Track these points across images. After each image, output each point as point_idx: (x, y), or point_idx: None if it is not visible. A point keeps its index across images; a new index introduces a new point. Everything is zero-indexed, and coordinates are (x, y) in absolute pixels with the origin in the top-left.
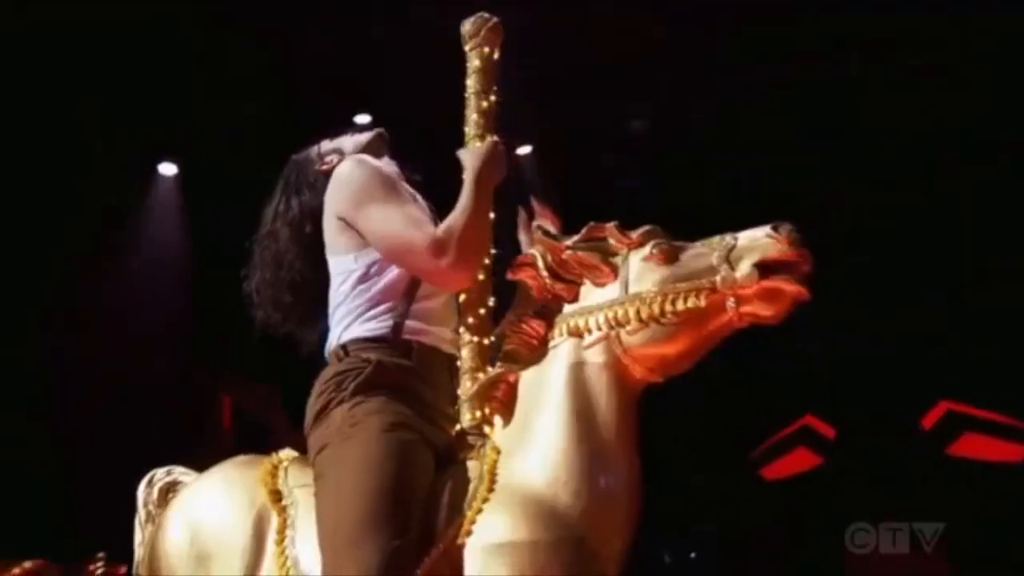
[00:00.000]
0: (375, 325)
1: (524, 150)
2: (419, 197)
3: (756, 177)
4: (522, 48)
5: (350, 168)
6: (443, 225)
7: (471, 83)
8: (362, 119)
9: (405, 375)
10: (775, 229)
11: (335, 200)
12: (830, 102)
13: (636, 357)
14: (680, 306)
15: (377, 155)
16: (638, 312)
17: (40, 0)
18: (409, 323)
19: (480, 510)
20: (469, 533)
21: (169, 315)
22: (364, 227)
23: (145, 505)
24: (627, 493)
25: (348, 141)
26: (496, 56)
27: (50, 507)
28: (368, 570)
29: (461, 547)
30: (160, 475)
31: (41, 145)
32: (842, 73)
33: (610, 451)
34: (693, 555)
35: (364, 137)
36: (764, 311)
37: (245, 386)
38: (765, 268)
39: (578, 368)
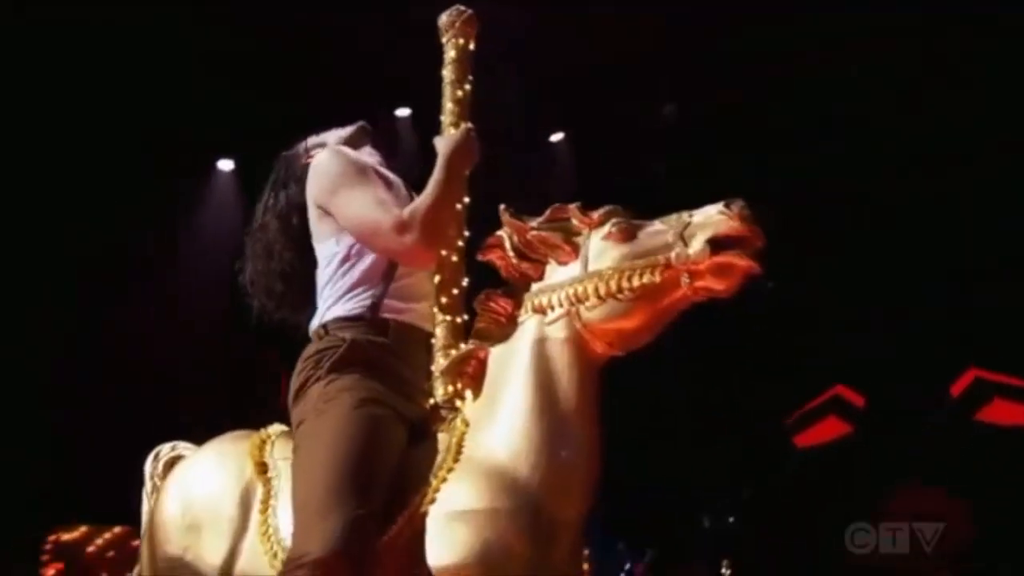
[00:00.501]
0: (353, 305)
1: (556, 136)
2: (397, 183)
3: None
4: (558, 38)
5: (324, 158)
6: (410, 206)
7: (447, 73)
8: (402, 112)
9: (381, 352)
10: (727, 206)
11: (313, 189)
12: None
13: (596, 332)
14: (636, 282)
15: (358, 146)
16: (596, 289)
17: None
18: (387, 302)
19: (445, 479)
20: (433, 501)
21: (233, 298)
22: (337, 212)
23: (151, 478)
24: (586, 463)
25: (332, 135)
26: (471, 47)
27: (126, 477)
28: (332, 537)
29: (425, 514)
30: (165, 450)
31: (108, 142)
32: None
33: (570, 423)
34: (731, 519)
35: (347, 131)
36: (717, 285)
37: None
38: (717, 244)
39: (541, 343)
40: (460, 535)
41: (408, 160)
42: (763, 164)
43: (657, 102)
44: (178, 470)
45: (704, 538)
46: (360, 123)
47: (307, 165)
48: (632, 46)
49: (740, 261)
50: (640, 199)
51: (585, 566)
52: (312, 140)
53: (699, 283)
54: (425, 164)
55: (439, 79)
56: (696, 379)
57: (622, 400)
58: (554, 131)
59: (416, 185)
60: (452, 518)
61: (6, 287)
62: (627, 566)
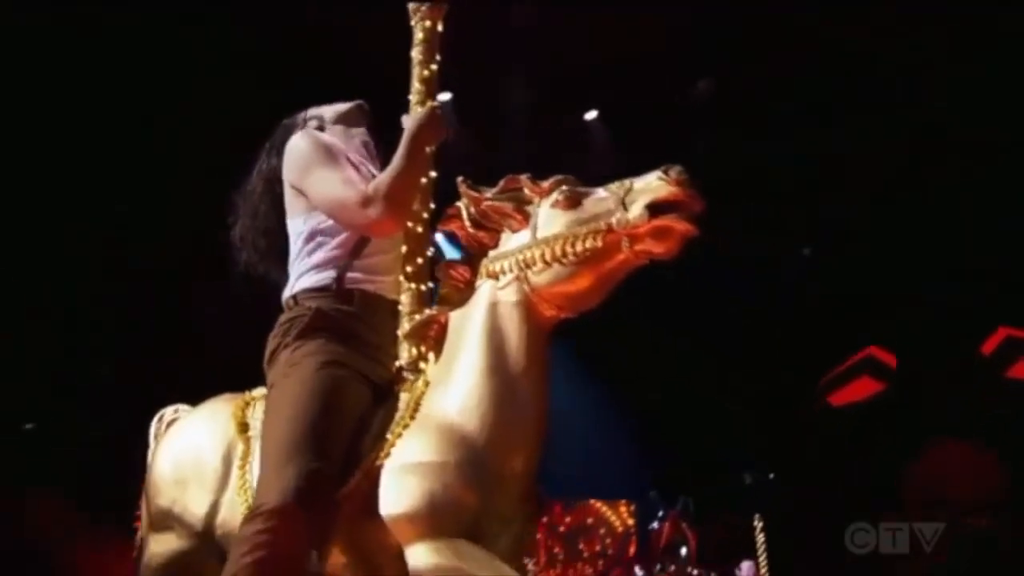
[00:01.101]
0: (320, 277)
1: (590, 115)
2: (367, 166)
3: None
4: (592, 19)
5: (296, 140)
6: (373, 182)
7: (415, 54)
8: (443, 97)
9: (347, 319)
10: (665, 172)
11: (287, 170)
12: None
13: (543, 296)
14: (580, 247)
15: (355, 125)
16: (543, 254)
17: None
18: (352, 275)
19: (400, 435)
20: (388, 455)
21: None
22: (308, 191)
23: (154, 438)
24: (532, 420)
25: (329, 110)
26: (439, 29)
27: None
28: (287, 488)
29: (380, 467)
30: (168, 413)
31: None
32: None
33: (518, 382)
34: (771, 475)
35: (343, 107)
36: (656, 248)
37: None
38: (656, 209)
39: (493, 308)
40: (410, 486)
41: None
42: (790, 136)
43: (692, 78)
44: (171, 430)
45: (744, 493)
46: (358, 102)
47: None
48: (665, 23)
49: (678, 224)
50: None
51: (630, 521)
52: (311, 111)
53: (639, 246)
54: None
55: (474, 65)
56: (737, 343)
57: (670, 363)
58: (588, 109)
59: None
60: (404, 470)
61: None
62: (660, 513)
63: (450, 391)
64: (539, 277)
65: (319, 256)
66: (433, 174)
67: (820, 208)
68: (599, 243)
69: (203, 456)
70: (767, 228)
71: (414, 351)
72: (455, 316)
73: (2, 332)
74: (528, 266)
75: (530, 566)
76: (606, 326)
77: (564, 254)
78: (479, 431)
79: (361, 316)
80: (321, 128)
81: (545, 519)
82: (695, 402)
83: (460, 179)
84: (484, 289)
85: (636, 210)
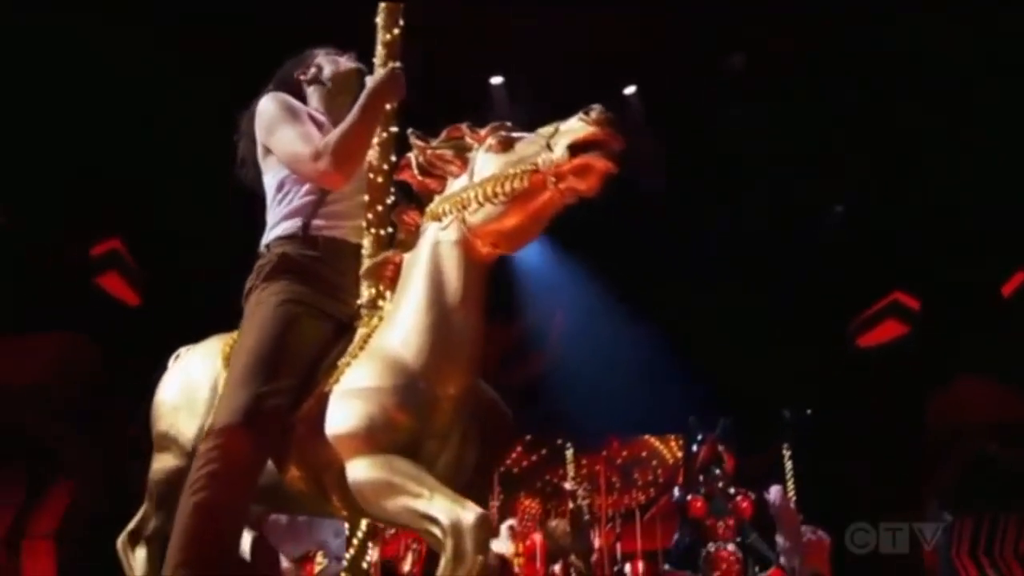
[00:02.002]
0: (288, 225)
1: (629, 90)
2: (328, 125)
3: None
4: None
5: (264, 103)
6: (325, 138)
7: (379, 20)
8: (496, 80)
9: (311, 262)
10: (586, 113)
11: (258, 129)
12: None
13: (479, 234)
14: (508, 187)
15: (345, 91)
16: (477, 195)
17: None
18: (317, 222)
19: (349, 364)
20: (337, 382)
21: None
22: (272, 147)
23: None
24: (467, 347)
25: (330, 66)
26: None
27: None
28: (236, 410)
29: (329, 392)
30: (183, 351)
31: None
32: None
33: (454, 314)
34: (808, 411)
35: (344, 68)
36: (579, 185)
37: None
38: (578, 148)
39: (436, 247)
40: (351, 408)
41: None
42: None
43: (724, 52)
44: (174, 365)
45: (783, 427)
46: (358, 66)
47: (297, 78)
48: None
49: (597, 162)
50: (708, 146)
51: (679, 453)
52: (318, 56)
53: (563, 184)
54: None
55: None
56: (776, 292)
57: (720, 310)
58: (627, 84)
59: None
60: (348, 395)
61: None
62: (699, 436)
63: (394, 324)
64: (474, 217)
65: (287, 207)
66: (394, 129)
67: (851, 170)
68: (526, 183)
69: (194, 386)
70: (804, 188)
71: (372, 290)
72: (407, 257)
73: None
74: (465, 207)
75: (510, 523)
76: (661, 274)
77: (495, 194)
78: (415, 358)
79: (325, 259)
80: (316, 80)
81: (604, 452)
82: (741, 345)
83: (410, 131)
84: (429, 231)
85: (559, 150)
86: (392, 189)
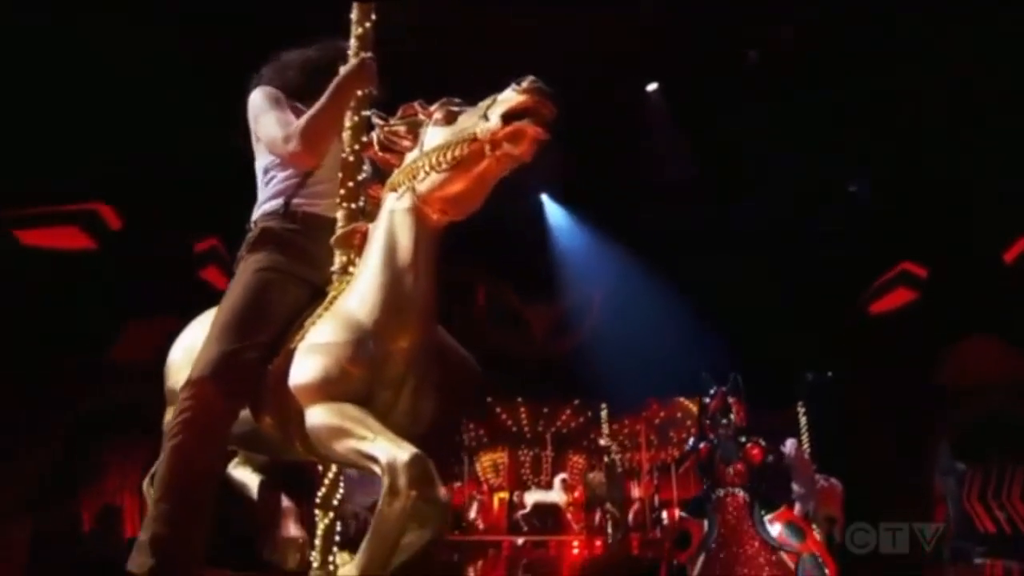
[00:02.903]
0: (273, 203)
1: (652, 86)
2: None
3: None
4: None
5: (253, 95)
6: (296, 122)
7: (353, 16)
8: (652, 87)
9: (291, 235)
10: (518, 83)
11: (249, 120)
12: None
13: (427, 201)
14: (450, 155)
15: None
16: (424, 165)
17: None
18: (297, 200)
19: (314, 323)
20: (302, 339)
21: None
22: (257, 134)
23: None
24: (418, 305)
25: (344, 57)
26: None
27: None
28: (207, 364)
29: (295, 349)
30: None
31: None
32: None
33: (405, 275)
34: (830, 374)
35: (349, 64)
36: (513, 151)
37: (493, 280)
38: (512, 116)
39: (391, 215)
40: (310, 362)
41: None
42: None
43: (742, 50)
44: (187, 328)
45: (802, 388)
46: (365, 55)
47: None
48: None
49: (529, 128)
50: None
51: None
52: (349, 52)
53: (499, 151)
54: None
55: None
56: (795, 266)
57: (748, 282)
58: (649, 81)
59: None
60: (309, 350)
61: None
62: (711, 391)
63: (354, 286)
64: (422, 185)
65: (273, 187)
66: (366, 114)
67: (862, 154)
68: (466, 151)
69: (195, 346)
70: (823, 171)
71: (344, 258)
72: (371, 226)
73: None
74: (415, 177)
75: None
76: (693, 252)
77: (440, 163)
78: (368, 316)
79: (304, 232)
80: (331, 70)
81: (644, 413)
82: (768, 315)
83: (372, 111)
84: (387, 201)
85: (493, 119)
86: (365, 167)
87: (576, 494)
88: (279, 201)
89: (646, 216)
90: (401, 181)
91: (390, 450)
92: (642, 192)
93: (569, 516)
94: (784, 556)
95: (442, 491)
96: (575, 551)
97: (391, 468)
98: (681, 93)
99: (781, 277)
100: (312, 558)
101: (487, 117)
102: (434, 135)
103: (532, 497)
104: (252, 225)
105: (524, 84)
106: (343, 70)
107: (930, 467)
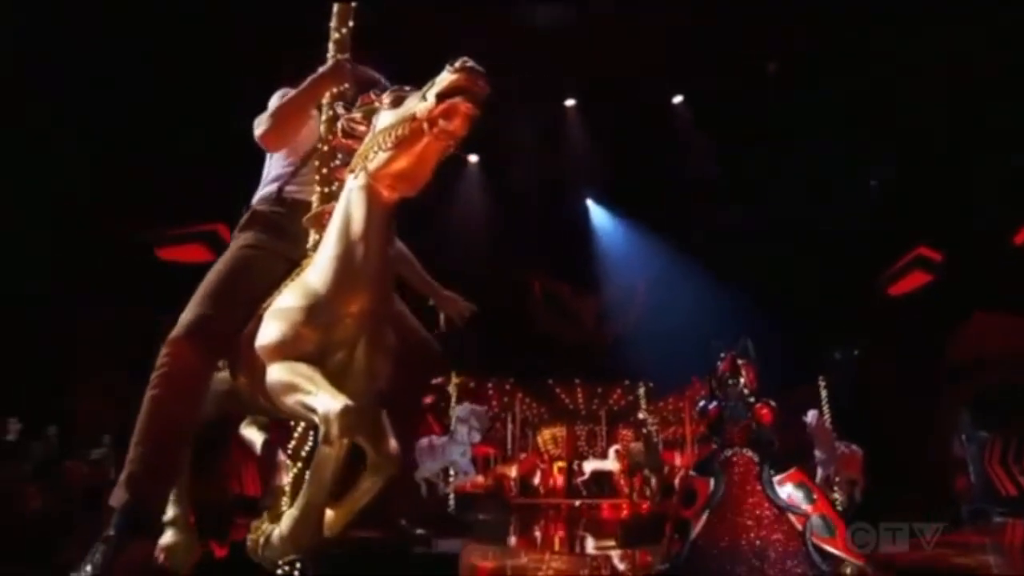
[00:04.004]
0: (268, 190)
1: (677, 99)
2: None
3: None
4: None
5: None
6: (270, 109)
7: (332, 24)
8: (569, 103)
9: (278, 217)
10: (451, 64)
11: None
12: None
13: (377, 178)
14: (394, 136)
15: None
16: (373, 145)
17: None
18: (288, 187)
19: (280, 292)
20: (271, 305)
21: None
22: None
23: None
24: (369, 274)
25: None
26: (352, 5)
27: None
28: (182, 325)
29: (263, 315)
30: None
31: None
32: None
33: (357, 248)
34: (856, 352)
35: (326, 64)
36: (448, 127)
37: (547, 276)
38: (445, 95)
39: (349, 193)
40: (271, 326)
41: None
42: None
43: (762, 63)
44: None
45: (827, 364)
46: (341, 57)
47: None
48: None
49: (461, 105)
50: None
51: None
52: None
53: (436, 128)
54: None
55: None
56: (820, 253)
57: (776, 266)
58: (675, 95)
59: None
60: (270, 315)
61: None
62: (721, 354)
63: (315, 258)
64: (372, 164)
65: (270, 175)
66: (341, 111)
67: (879, 147)
68: (407, 130)
69: None
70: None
71: (316, 236)
72: (335, 206)
73: None
74: (367, 157)
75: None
76: (730, 245)
77: (385, 142)
78: (322, 284)
79: (290, 215)
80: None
81: (688, 391)
82: (791, 298)
83: (337, 103)
84: (347, 182)
85: (429, 98)
86: (340, 155)
87: (625, 462)
88: (273, 187)
89: (682, 212)
90: (357, 163)
91: (327, 402)
92: (677, 191)
93: (622, 481)
94: (792, 518)
95: (392, 444)
96: (623, 512)
97: (325, 418)
98: (706, 101)
99: (805, 264)
100: (283, 503)
101: (424, 97)
102: (383, 118)
103: (590, 465)
104: (247, 209)
105: (457, 64)
106: (320, 69)
107: (947, 435)
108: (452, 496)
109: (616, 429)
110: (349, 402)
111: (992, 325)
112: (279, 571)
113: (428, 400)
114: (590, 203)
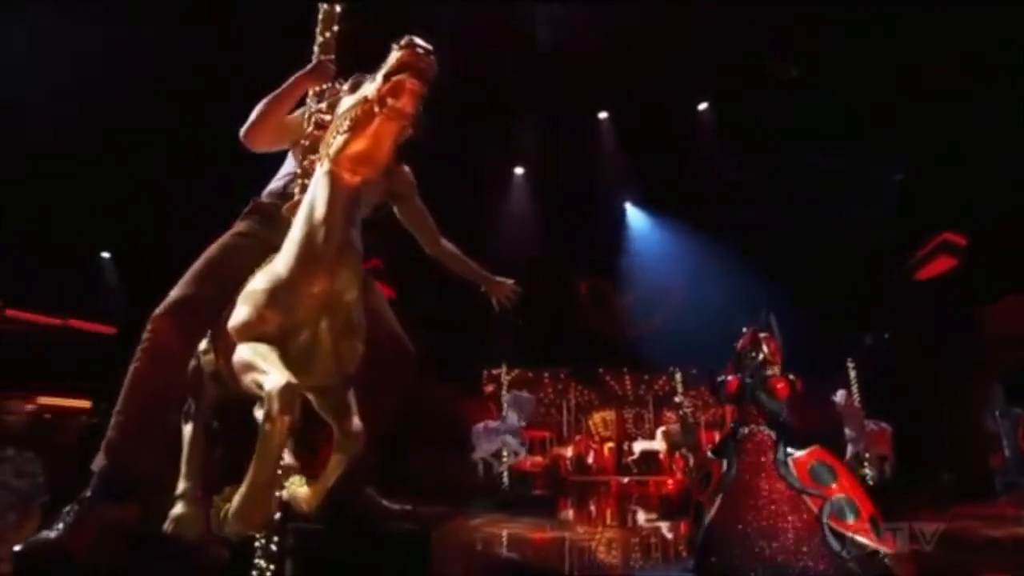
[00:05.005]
0: (275, 186)
1: (702, 106)
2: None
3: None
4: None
5: None
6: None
7: (318, 29)
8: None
9: (274, 209)
10: (397, 43)
11: None
12: None
13: (338, 162)
14: (348, 118)
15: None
16: (333, 131)
17: None
18: (292, 185)
19: (254, 275)
20: (244, 288)
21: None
22: None
23: None
24: (330, 255)
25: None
26: (337, 9)
27: None
28: (167, 303)
29: (238, 296)
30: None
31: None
32: None
33: (318, 231)
34: (887, 335)
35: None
36: (396, 103)
37: (587, 274)
38: (392, 73)
39: (316, 179)
40: (239, 308)
41: None
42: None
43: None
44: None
45: (857, 348)
46: (323, 59)
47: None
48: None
49: (406, 81)
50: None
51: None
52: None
53: (385, 107)
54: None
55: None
56: (846, 242)
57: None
58: (700, 101)
59: None
60: (240, 298)
61: None
62: (744, 329)
63: (284, 243)
64: (332, 148)
65: (280, 174)
66: (324, 107)
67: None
68: (360, 112)
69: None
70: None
71: None
72: None
73: None
74: (328, 144)
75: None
76: (760, 241)
77: (341, 126)
78: (287, 266)
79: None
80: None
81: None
82: (825, 287)
83: (308, 97)
84: (317, 170)
85: (378, 78)
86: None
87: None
88: (280, 184)
89: (713, 212)
90: (322, 150)
91: (271, 380)
92: (708, 192)
93: (666, 459)
94: (808, 500)
95: (356, 422)
96: (668, 488)
97: (268, 396)
98: (731, 107)
99: (832, 251)
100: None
101: (374, 79)
102: (343, 105)
103: (639, 446)
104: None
105: (402, 43)
106: (302, 70)
107: (979, 412)
108: (506, 474)
109: (661, 412)
110: (292, 380)
111: (1022, 305)
112: (256, 544)
113: (488, 389)
114: (628, 207)
